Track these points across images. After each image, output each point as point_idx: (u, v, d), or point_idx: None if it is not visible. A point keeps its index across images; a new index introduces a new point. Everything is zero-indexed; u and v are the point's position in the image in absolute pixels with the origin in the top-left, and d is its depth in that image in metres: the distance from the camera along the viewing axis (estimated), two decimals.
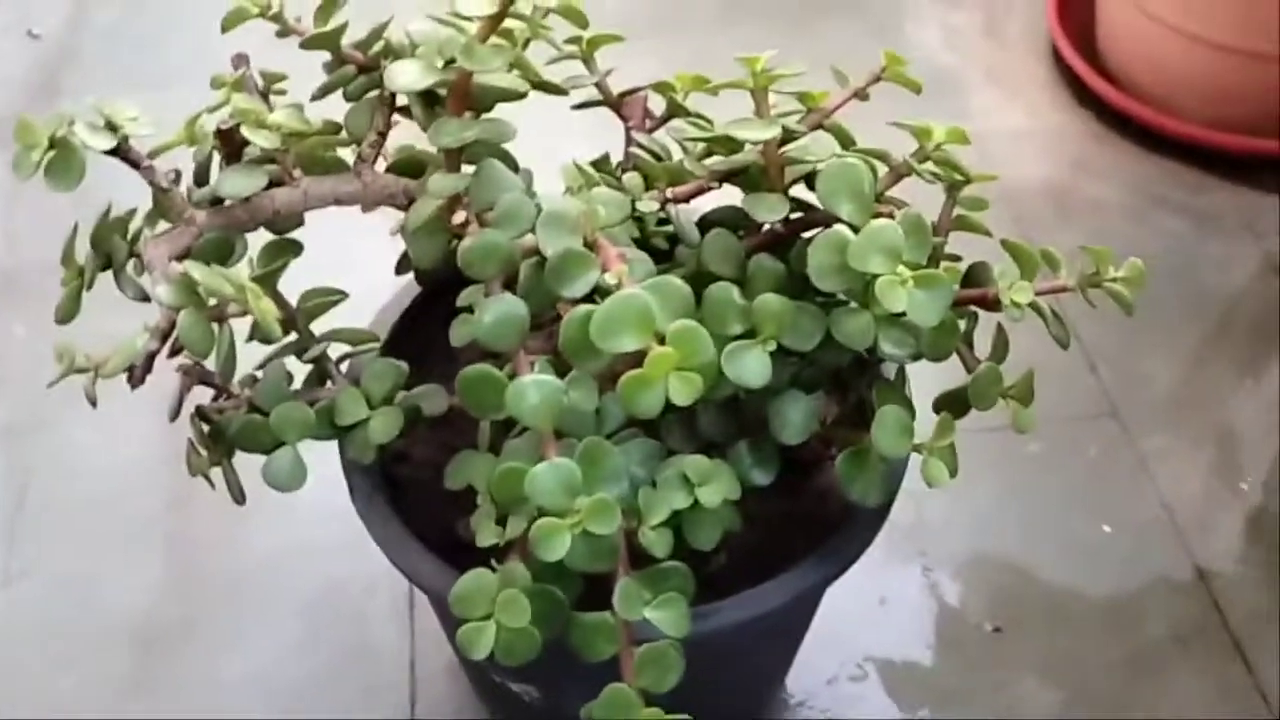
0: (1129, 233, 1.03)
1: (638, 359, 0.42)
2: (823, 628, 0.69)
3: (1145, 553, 0.83)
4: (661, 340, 0.42)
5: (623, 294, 0.41)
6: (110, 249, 0.45)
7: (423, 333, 0.64)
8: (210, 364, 0.55)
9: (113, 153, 0.42)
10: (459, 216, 0.46)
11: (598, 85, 0.59)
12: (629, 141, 0.58)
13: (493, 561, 0.47)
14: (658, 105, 0.60)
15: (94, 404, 0.46)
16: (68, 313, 0.46)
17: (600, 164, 0.56)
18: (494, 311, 0.45)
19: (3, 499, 0.85)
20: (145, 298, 0.46)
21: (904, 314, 0.48)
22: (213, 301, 0.41)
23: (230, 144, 0.46)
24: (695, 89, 0.58)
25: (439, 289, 0.64)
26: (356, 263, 0.70)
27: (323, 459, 0.55)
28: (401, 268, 0.63)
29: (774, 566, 0.55)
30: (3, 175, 1.02)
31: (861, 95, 0.55)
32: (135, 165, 0.43)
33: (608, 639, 0.45)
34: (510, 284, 0.48)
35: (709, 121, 0.55)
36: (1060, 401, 0.90)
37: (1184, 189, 1.07)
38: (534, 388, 0.43)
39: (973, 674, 0.77)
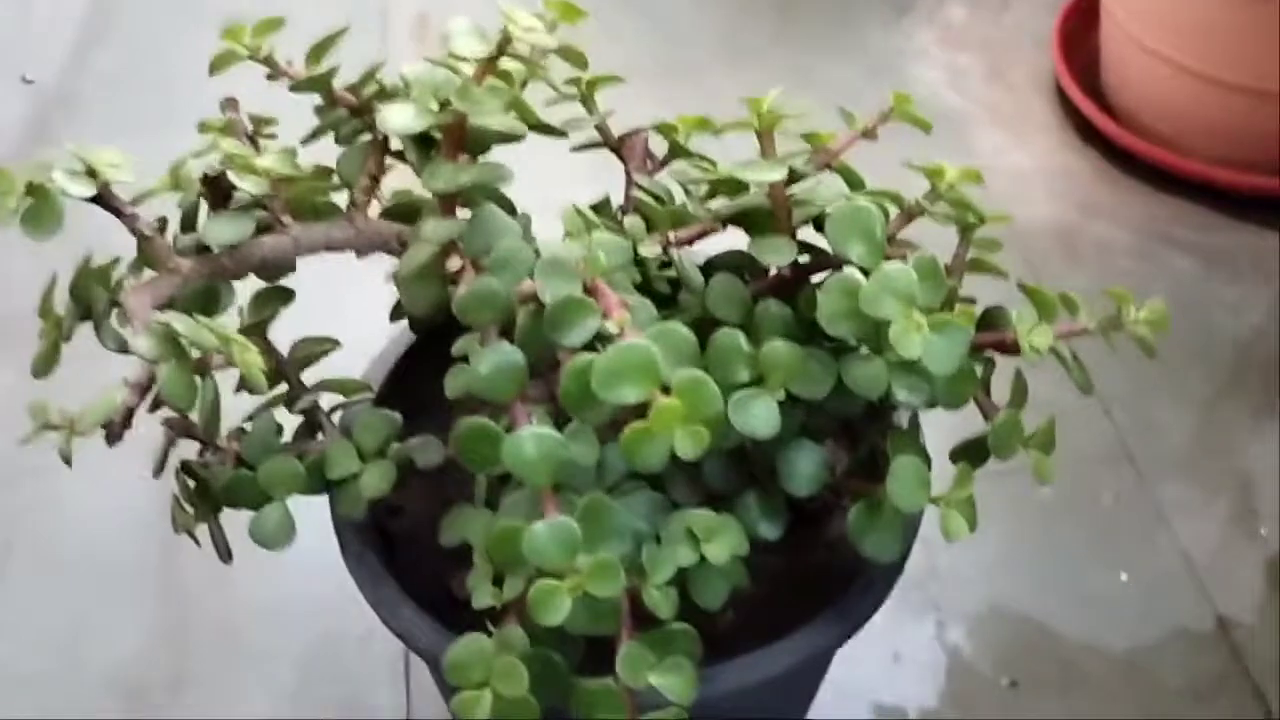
0: (1138, 273, 1.02)
1: (640, 408, 0.40)
2: (835, 685, 0.67)
3: (1163, 602, 0.81)
4: (666, 390, 0.40)
5: (625, 344, 0.39)
6: (90, 299, 0.43)
7: (418, 381, 0.62)
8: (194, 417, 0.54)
9: (94, 200, 0.40)
10: (454, 263, 0.45)
11: (598, 127, 0.57)
12: (629, 184, 0.57)
13: (489, 623, 0.44)
14: (659, 147, 0.58)
15: (68, 463, 0.44)
16: (45, 365, 0.44)
17: (600, 207, 0.54)
18: (490, 362, 0.43)
19: None
20: (127, 349, 0.44)
21: (919, 360, 0.46)
22: (196, 353, 0.40)
23: (217, 190, 0.44)
24: (698, 130, 0.57)
25: (434, 336, 0.63)
26: (349, 309, 0.69)
27: (316, 506, 0.53)
28: (396, 314, 0.62)
29: (784, 622, 0.53)
30: None
31: (870, 135, 0.53)
32: (117, 213, 0.41)
33: (611, 707, 0.43)
34: (507, 331, 0.46)
35: (712, 163, 0.53)
36: (1073, 446, 0.88)
37: (1193, 228, 1.05)
38: (532, 441, 0.41)
39: None
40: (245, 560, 0.81)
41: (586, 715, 0.43)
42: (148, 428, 0.82)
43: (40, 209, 0.37)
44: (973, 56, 1.22)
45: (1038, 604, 0.81)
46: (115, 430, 0.39)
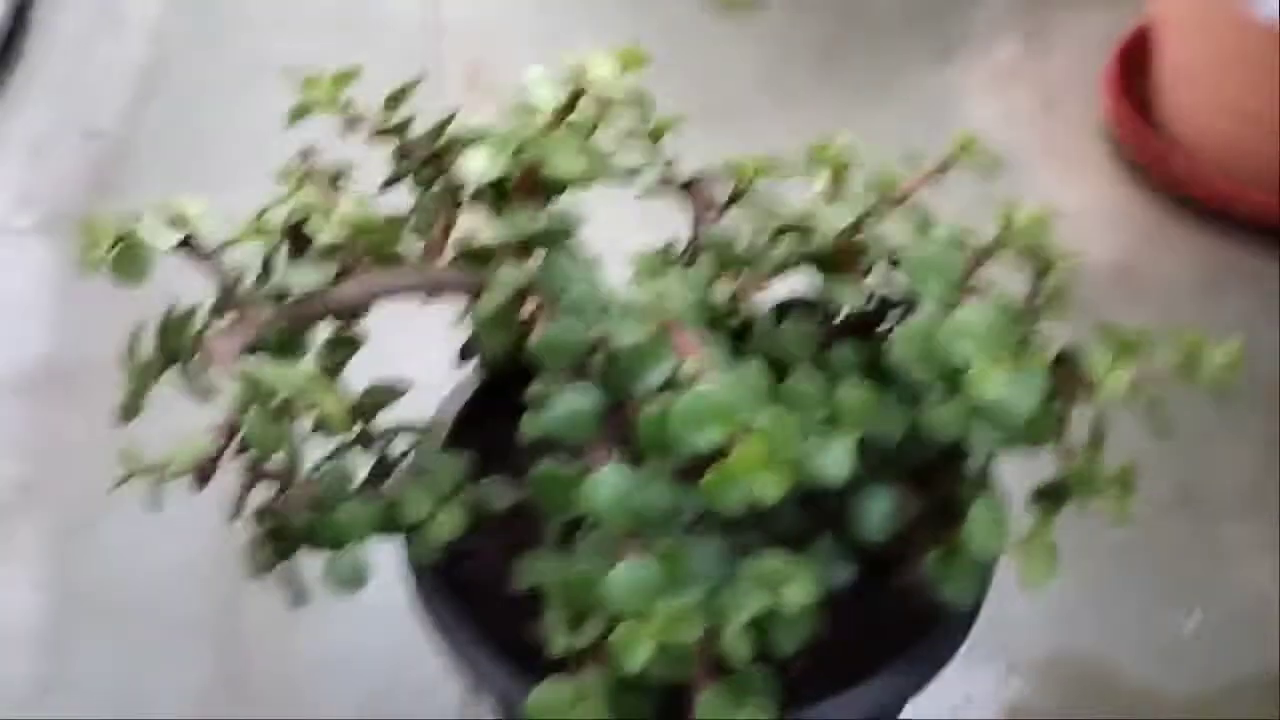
0: (1197, 311, 1.01)
1: (716, 451, 0.40)
2: None
3: (1233, 645, 0.79)
4: (743, 432, 0.40)
5: (703, 388, 0.39)
6: (176, 345, 0.44)
7: (487, 423, 0.63)
8: (274, 461, 0.55)
9: (180, 247, 0.41)
10: (529, 307, 0.45)
11: (664, 170, 0.58)
12: (697, 227, 0.57)
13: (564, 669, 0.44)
14: (720, 192, 0.59)
15: (158, 508, 0.45)
16: (131, 411, 0.45)
17: (666, 251, 0.54)
18: (566, 404, 0.43)
19: (45, 605, 0.83)
20: (208, 396, 0.45)
21: (996, 402, 0.46)
22: (279, 398, 0.40)
23: (298, 237, 0.45)
24: (764, 174, 0.57)
25: (503, 378, 0.63)
26: (416, 352, 0.69)
27: (377, 562, 0.53)
28: (464, 356, 0.62)
29: (855, 670, 0.52)
30: (59, 271, 1.04)
31: (935, 178, 0.53)
32: (202, 260, 0.42)
33: None
34: (581, 374, 0.46)
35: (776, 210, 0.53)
36: (1139, 488, 0.87)
37: (1251, 266, 1.04)
38: (608, 485, 0.41)
39: None
40: (305, 613, 0.81)
41: None
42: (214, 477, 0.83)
43: (130, 256, 0.38)
44: (1023, 96, 1.22)
45: (1106, 649, 0.80)
46: (204, 475, 0.39)
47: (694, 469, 0.46)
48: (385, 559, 0.54)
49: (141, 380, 0.44)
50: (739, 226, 0.55)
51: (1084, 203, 1.11)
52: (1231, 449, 0.91)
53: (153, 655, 0.81)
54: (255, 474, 0.54)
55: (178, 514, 0.86)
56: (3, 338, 0.99)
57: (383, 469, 0.56)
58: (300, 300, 0.45)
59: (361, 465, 0.56)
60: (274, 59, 1.22)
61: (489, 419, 0.62)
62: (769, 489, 0.39)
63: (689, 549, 0.42)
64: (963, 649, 0.78)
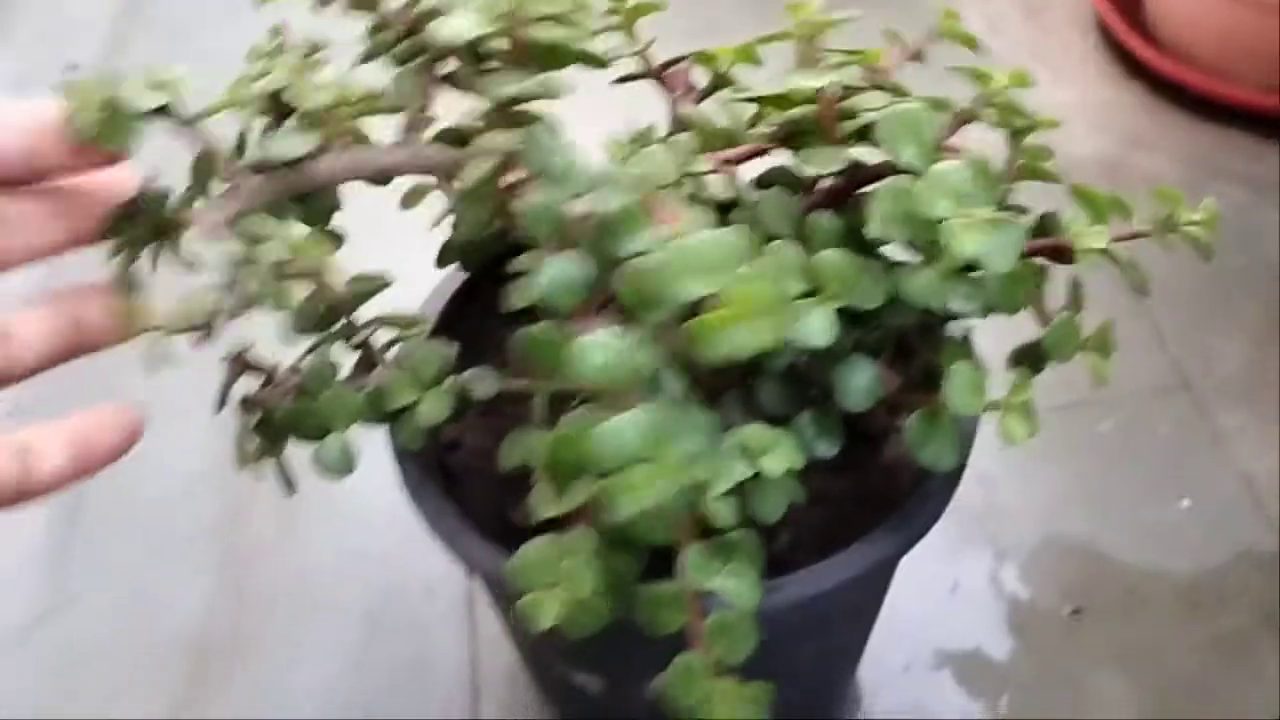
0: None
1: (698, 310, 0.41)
2: (893, 617, 0.67)
3: (1226, 529, 0.80)
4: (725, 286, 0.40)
5: (688, 239, 0.39)
6: (159, 218, 0.44)
7: (469, 321, 0.63)
8: (251, 352, 0.55)
9: (160, 112, 0.41)
10: (514, 176, 0.45)
11: (641, 56, 0.57)
12: (674, 113, 0.57)
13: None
14: (699, 81, 0.58)
15: (166, 363, 0.45)
16: (119, 289, 0.45)
17: (647, 130, 0.54)
18: (552, 271, 0.43)
19: (55, 518, 0.85)
20: (195, 268, 0.45)
21: (973, 267, 0.46)
22: (272, 258, 0.40)
23: (276, 109, 0.44)
24: (739, 60, 0.57)
25: (481, 281, 0.63)
26: (393, 258, 0.69)
27: (377, 465, 0.54)
28: (443, 259, 0.62)
29: (842, 544, 0.53)
30: None
31: (918, 57, 0.53)
32: (184, 128, 0.42)
33: (675, 609, 0.43)
34: (565, 245, 0.46)
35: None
36: (1130, 377, 0.87)
37: (1242, 157, 1.04)
38: (599, 347, 0.41)
39: (1051, 660, 0.75)
40: (308, 519, 0.83)
41: (650, 618, 0.43)
42: (207, 395, 0.84)
43: (116, 121, 0.38)
44: (1009, 1, 1.21)
45: (1098, 535, 0.80)
46: (205, 333, 0.39)
47: (673, 344, 0.47)
48: (384, 461, 0.55)
49: (129, 256, 0.44)
50: (713, 113, 0.55)
51: (1073, 101, 1.10)
52: (1226, 338, 0.91)
53: (161, 563, 0.82)
54: (238, 365, 0.54)
55: (181, 428, 0.88)
56: None
57: (367, 362, 0.56)
58: (284, 170, 0.44)
59: (345, 359, 0.56)
60: None
61: (468, 320, 0.63)
62: (752, 340, 0.39)
63: (676, 410, 0.42)
64: (952, 537, 0.79)
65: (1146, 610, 0.77)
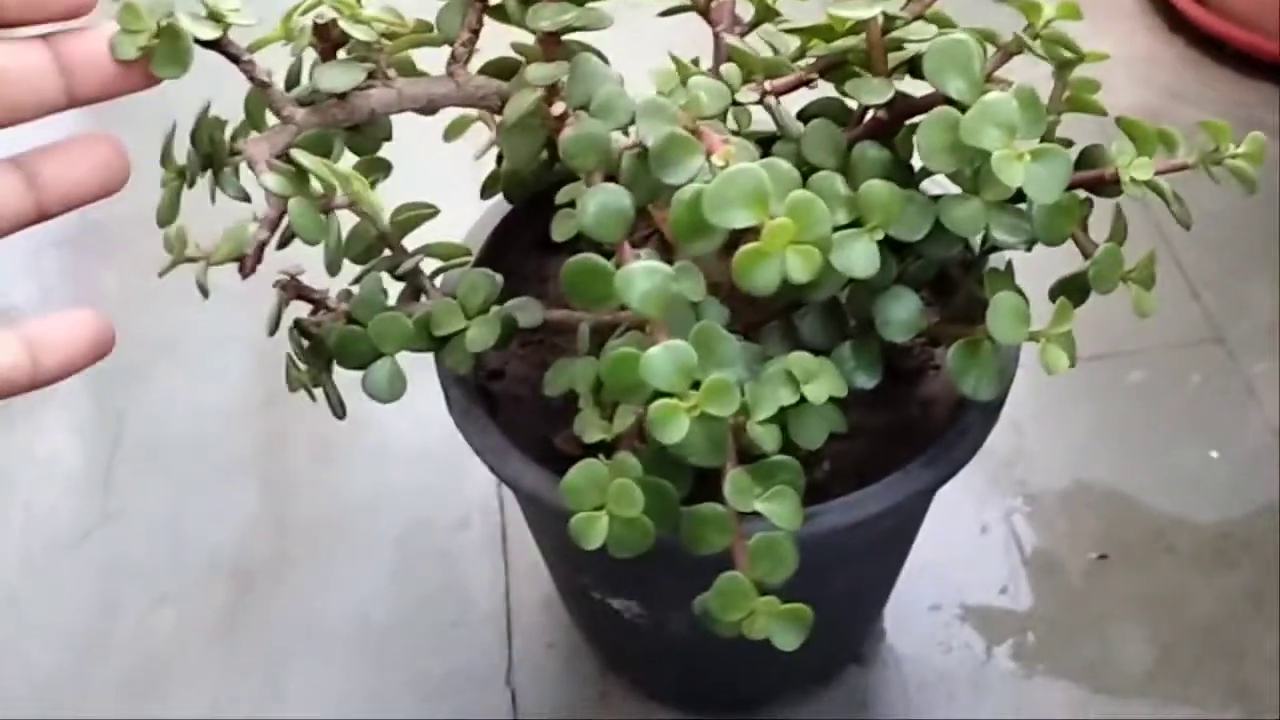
0: None
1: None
2: (922, 558, 0.68)
3: (1254, 480, 0.80)
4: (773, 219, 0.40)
5: (735, 168, 0.40)
6: (210, 148, 0.45)
7: (511, 254, 0.64)
8: (302, 279, 0.56)
9: (213, 45, 0.41)
10: (558, 108, 0.45)
11: None
12: (718, 45, 0.57)
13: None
14: (744, 14, 0.58)
15: (206, 294, 0.46)
16: (168, 215, 0.46)
17: (693, 62, 0.55)
18: (597, 202, 0.44)
19: (98, 442, 0.86)
20: (246, 198, 0.46)
21: (1018, 199, 0.46)
22: (320, 191, 0.41)
23: (327, 41, 0.45)
24: None
25: (526, 212, 0.64)
26: (437, 191, 0.70)
27: (410, 403, 0.54)
28: (486, 191, 0.63)
29: (879, 477, 0.54)
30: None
31: None
32: (235, 60, 0.42)
33: (720, 530, 0.44)
34: (611, 179, 0.47)
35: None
36: (1163, 329, 0.88)
37: None
38: (643, 275, 0.42)
39: (1076, 604, 0.75)
40: (342, 454, 0.84)
41: (695, 538, 0.44)
42: (243, 331, 0.85)
43: (170, 47, 0.38)
44: None
45: (1127, 481, 0.81)
46: (249, 264, 0.40)
47: (717, 279, 0.48)
48: (421, 400, 0.56)
49: (177, 184, 0.45)
50: (764, 41, 0.55)
51: (1115, 53, 1.08)
52: (1258, 289, 0.91)
53: (198, 493, 0.83)
54: (289, 290, 0.55)
55: (218, 361, 0.89)
56: None
57: (414, 290, 0.57)
58: (333, 102, 0.45)
59: (393, 289, 0.57)
60: None
61: (509, 251, 0.64)
62: (799, 269, 0.40)
63: (725, 335, 0.43)
64: (981, 482, 0.80)
65: (1172, 558, 0.77)
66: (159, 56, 0.39)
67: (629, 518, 0.43)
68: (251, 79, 0.44)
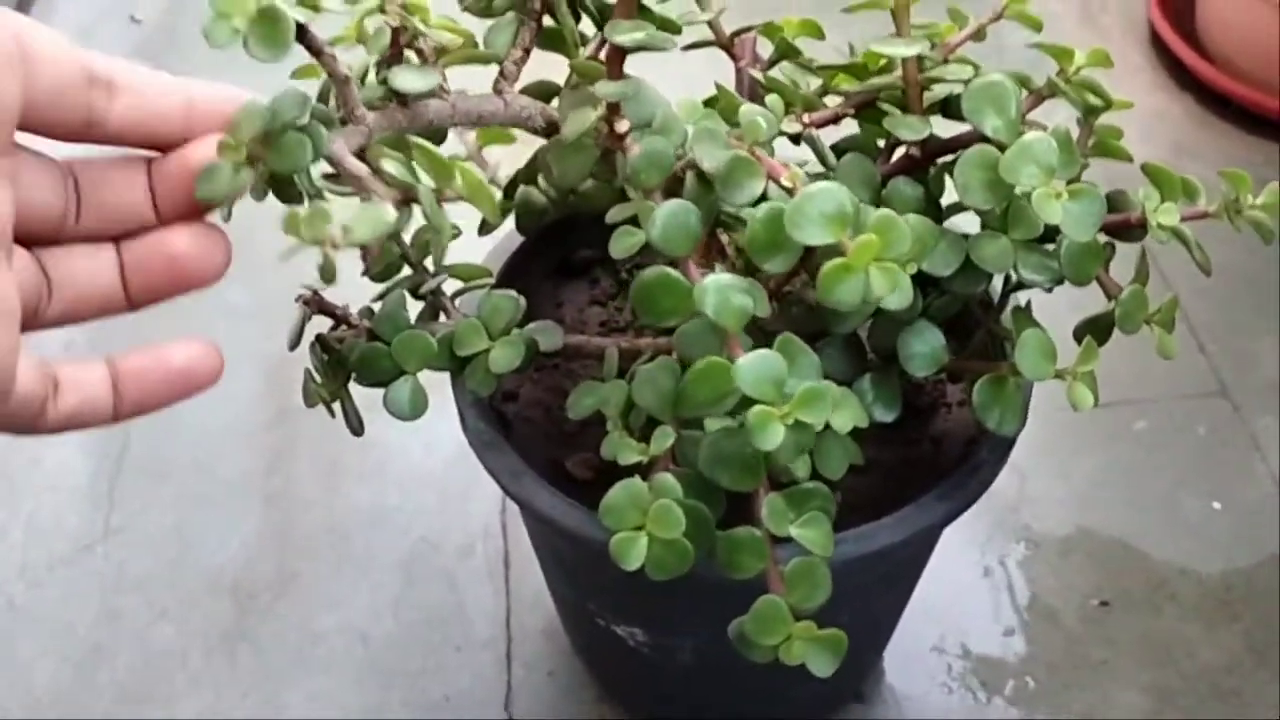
0: None
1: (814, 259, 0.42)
2: (926, 598, 0.68)
3: (1257, 531, 0.81)
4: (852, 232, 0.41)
5: (817, 187, 0.40)
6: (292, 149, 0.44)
7: (528, 280, 0.64)
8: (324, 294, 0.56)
9: (300, 35, 0.40)
10: (622, 125, 0.46)
11: (710, 24, 0.58)
12: (740, 81, 0.58)
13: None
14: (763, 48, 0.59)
15: (331, 280, 0.44)
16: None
17: (719, 98, 0.55)
18: (665, 217, 0.44)
19: (105, 455, 0.86)
20: (318, 195, 0.44)
21: (1044, 239, 0.47)
22: (432, 185, 0.41)
23: (395, 46, 0.45)
24: (803, 33, 0.58)
25: (537, 244, 0.64)
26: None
27: (419, 422, 0.54)
28: (483, 230, 0.63)
29: (890, 511, 0.54)
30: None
31: (979, 34, 0.54)
32: (317, 53, 0.42)
33: (755, 555, 0.44)
34: (670, 195, 0.47)
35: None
36: (1168, 379, 0.88)
37: None
38: (718, 289, 0.42)
39: (1077, 649, 0.75)
40: (347, 475, 0.84)
41: (730, 561, 0.44)
42: (255, 348, 0.85)
43: (270, 27, 0.37)
44: (1065, 3, 1.22)
45: (1129, 529, 0.81)
46: (372, 254, 0.39)
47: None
48: (429, 423, 0.56)
49: (247, 180, 0.44)
50: (785, 77, 0.56)
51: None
52: (1264, 344, 0.92)
53: (203, 509, 0.83)
54: (311, 306, 0.55)
55: (226, 378, 0.89)
56: None
57: (434, 310, 0.57)
58: (394, 110, 0.45)
59: (413, 309, 0.57)
60: None
61: (526, 278, 0.64)
62: (881, 285, 0.41)
63: (805, 347, 0.44)
64: (986, 525, 0.80)
65: (1173, 606, 0.78)
66: (256, 38, 0.38)
67: (669, 539, 0.43)
68: (332, 74, 0.43)
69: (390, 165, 0.39)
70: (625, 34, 0.44)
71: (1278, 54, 1.04)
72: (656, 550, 0.43)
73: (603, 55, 0.49)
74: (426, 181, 0.40)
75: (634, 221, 0.47)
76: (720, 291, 0.42)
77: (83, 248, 0.38)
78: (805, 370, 0.42)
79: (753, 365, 0.41)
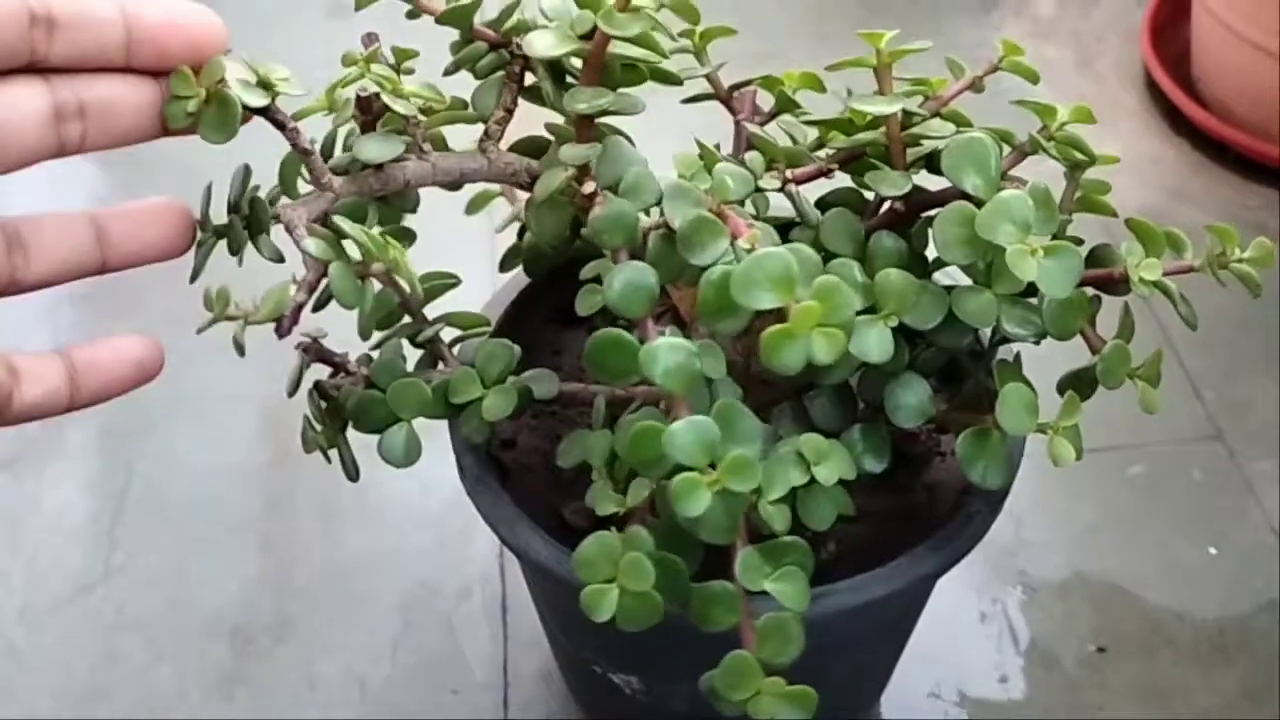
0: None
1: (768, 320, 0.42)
2: (922, 643, 0.68)
3: (1253, 576, 0.81)
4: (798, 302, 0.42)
5: (763, 252, 0.41)
6: (252, 211, 0.46)
7: (527, 325, 0.65)
8: (323, 341, 0.57)
9: (260, 112, 0.43)
10: (588, 187, 0.47)
11: (709, 78, 0.59)
12: (739, 133, 0.59)
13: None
14: (764, 104, 0.60)
15: (242, 352, 0.47)
16: (202, 270, 0.47)
17: (715, 148, 0.56)
18: (623, 279, 0.45)
19: (105, 496, 0.87)
20: (281, 259, 0.47)
21: (1028, 293, 0.48)
22: (357, 258, 0.42)
23: (367, 113, 0.47)
24: (804, 86, 0.58)
25: (540, 289, 0.65)
26: (450, 264, 0.71)
27: (419, 465, 0.55)
28: (506, 264, 0.64)
29: (883, 561, 0.54)
30: (109, 192, 1.07)
31: (977, 86, 0.55)
32: (281, 126, 0.44)
33: (728, 609, 0.44)
34: (636, 256, 0.48)
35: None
36: (1164, 424, 0.89)
37: None
38: (667, 351, 0.43)
39: (1074, 695, 0.76)
40: (346, 518, 0.85)
41: (703, 615, 0.45)
42: (252, 390, 0.86)
43: (219, 113, 0.39)
44: (1062, 49, 1.23)
45: (1126, 574, 0.81)
46: (286, 325, 0.41)
47: (745, 348, 0.49)
48: (427, 466, 0.56)
49: (212, 242, 0.46)
50: (780, 134, 0.57)
51: (1118, 153, 1.11)
52: (1259, 389, 0.92)
53: (202, 551, 0.84)
54: (310, 354, 0.56)
55: (226, 419, 0.90)
56: None
57: (432, 357, 0.58)
58: (368, 172, 0.46)
59: (411, 356, 0.58)
60: None
61: (526, 324, 0.65)
62: (824, 350, 0.41)
63: (745, 411, 0.44)
64: (981, 570, 0.80)
65: (1170, 652, 0.78)
66: (206, 121, 0.40)
67: (639, 591, 0.43)
68: (295, 146, 0.45)
69: (312, 245, 0.40)
70: (584, 102, 0.45)
71: (1273, 100, 1.05)
72: (627, 602, 0.44)
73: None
74: (354, 255, 0.41)
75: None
76: (668, 354, 0.42)
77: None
78: (743, 436, 0.43)
79: (683, 431, 0.42)
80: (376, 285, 0.47)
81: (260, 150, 0.47)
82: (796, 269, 0.41)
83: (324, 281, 0.42)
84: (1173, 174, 1.10)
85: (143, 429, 0.90)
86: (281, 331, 0.40)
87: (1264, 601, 0.80)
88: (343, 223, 0.41)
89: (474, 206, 0.67)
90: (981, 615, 0.79)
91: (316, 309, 0.45)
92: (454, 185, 0.53)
